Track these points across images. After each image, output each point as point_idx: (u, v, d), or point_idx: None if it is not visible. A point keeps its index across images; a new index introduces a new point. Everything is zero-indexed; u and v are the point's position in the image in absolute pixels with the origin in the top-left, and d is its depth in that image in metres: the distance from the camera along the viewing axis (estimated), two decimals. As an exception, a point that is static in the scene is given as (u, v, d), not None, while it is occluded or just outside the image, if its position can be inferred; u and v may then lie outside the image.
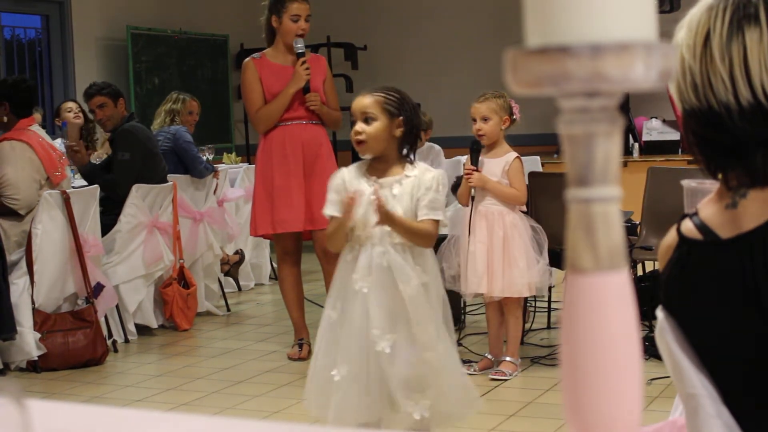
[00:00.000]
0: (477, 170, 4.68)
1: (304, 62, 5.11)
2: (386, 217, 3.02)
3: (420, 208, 3.12)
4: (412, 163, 3.24)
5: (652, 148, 8.52)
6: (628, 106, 8.47)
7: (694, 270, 1.43)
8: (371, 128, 3.18)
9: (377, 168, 3.21)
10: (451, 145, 7.85)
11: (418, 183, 3.15)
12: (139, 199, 5.85)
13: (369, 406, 3.04)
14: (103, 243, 5.63)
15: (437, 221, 3.13)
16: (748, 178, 1.37)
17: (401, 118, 3.18)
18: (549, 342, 5.38)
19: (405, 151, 3.23)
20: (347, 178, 3.21)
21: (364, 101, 3.20)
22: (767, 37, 1.35)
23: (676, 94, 1.42)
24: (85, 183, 6.03)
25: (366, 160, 3.24)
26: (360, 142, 3.19)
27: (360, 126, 3.19)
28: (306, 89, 5.12)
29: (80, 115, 7.21)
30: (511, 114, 4.74)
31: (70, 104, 7.42)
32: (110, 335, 5.62)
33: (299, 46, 5.13)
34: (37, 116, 7.48)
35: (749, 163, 1.36)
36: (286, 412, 4.26)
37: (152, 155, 6.05)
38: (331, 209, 3.15)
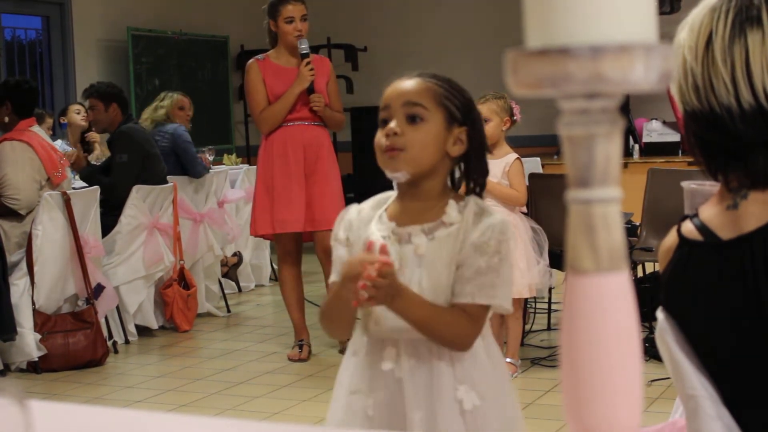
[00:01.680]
0: (477, 171, 4.67)
1: (308, 63, 5.11)
2: (389, 297, 1.82)
3: (460, 283, 1.89)
4: (460, 201, 1.98)
5: (653, 150, 8.51)
6: (629, 108, 8.47)
7: (694, 271, 1.43)
8: (419, 132, 1.93)
9: (406, 205, 1.98)
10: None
11: (463, 238, 1.91)
12: (139, 200, 5.85)
13: None
14: (104, 244, 5.63)
15: (486, 307, 1.92)
16: (749, 179, 1.37)
17: (465, 128, 1.97)
18: (549, 343, 5.38)
19: (456, 182, 2.04)
20: (355, 219, 2.02)
21: (411, 86, 1.96)
22: (769, 39, 1.35)
23: (678, 95, 1.43)
24: (86, 184, 6.04)
25: (389, 193, 2.06)
26: (392, 149, 1.93)
27: (398, 124, 1.93)
28: (310, 90, 5.12)
29: (86, 117, 7.22)
30: (511, 115, 4.74)
31: (78, 106, 7.42)
32: (110, 336, 5.62)
33: (303, 47, 5.13)
34: (49, 121, 7.50)
35: (750, 165, 1.36)
36: (287, 413, 4.26)
37: (151, 156, 6.05)
38: (335, 273, 1.99)
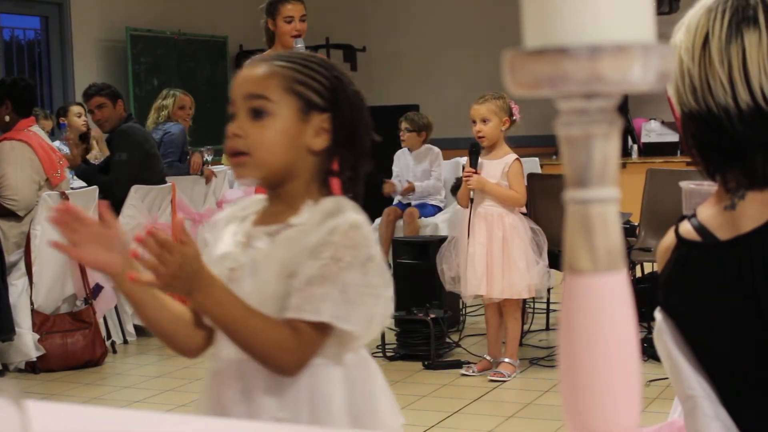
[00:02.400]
0: (476, 172, 4.68)
1: (305, 64, 5.11)
2: (186, 284, 1.56)
3: (290, 295, 1.56)
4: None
5: (651, 150, 8.52)
6: (627, 108, 8.47)
7: (692, 271, 1.43)
8: (265, 129, 1.63)
9: (268, 208, 1.70)
10: (450, 147, 7.86)
11: (300, 242, 1.58)
12: (137, 200, 5.85)
13: None
14: (102, 244, 5.62)
15: (319, 326, 1.54)
16: (747, 179, 1.37)
17: (328, 114, 1.65)
18: (548, 343, 5.38)
19: (330, 180, 1.70)
20: (222, 219, 1.77)
21: (254, 75, 1.67)
22: (766, 40, 1.35)
23: (675, 96, 1.42)
24: (84, 184, 6.04)
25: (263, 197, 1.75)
26: (235, 153, 1.64)
27: (239, 123, 1.64)
28: None
29: (87, 122, 7.22)
30: (510, 115, 4.74)
31: (79, 109, 7.41)
32: (109, 336, 5.61)
33: (299, 47, 5.13)
34: (47, 123, 7.49)
35: (748, 166, 1.36)
36: (285, 414, 4.26)
37: (150, 156, 6.05)
38: None
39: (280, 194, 1.67)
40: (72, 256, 1.75)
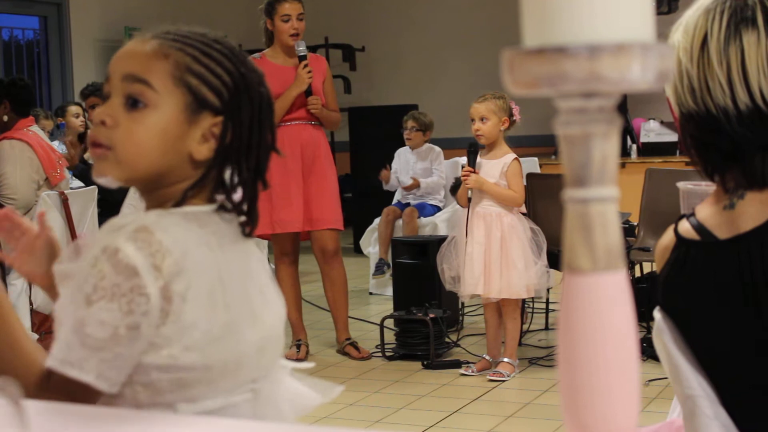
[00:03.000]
0: (474, 171, 4.68)
1: (306, 65, 5.12)
2: None
3: None
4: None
5: (650, 150, 8.52)
6: (626, 107, 8.47)
7: (691, 271, 1.43)
8: (138, 124, 1.35)
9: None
10: (449, 146, 7.86)
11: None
12: (136, 200, 5.82)
13: None
14: (101, 244, 5.63)
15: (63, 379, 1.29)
16: (746, 180, 1.37)
17: (220, 116, 1.37)
18: (547, 343, 5.38)
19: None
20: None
21: (139, 51, 1.37)
22: (765, 40, 1.35)
23: (673, 97, 1.42)
24: (82, 183, 6.04)
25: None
26: (97, 144, 1.37)
27: (110, 109, 1.36)
28: (308, 92, 5.13)
29: (84, 122, 7.22)
30: (510, 115, 4.74)
31: (77, 109, 7.41)
32: (108, 336, 5.61)
33: (301, 48, 5.14)
34: (48, 123, 7.49)
35: (747, 166, 1.36)
36: (284, 413, 4.25)
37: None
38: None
39: (152, 198, 1.40)
40: (8, 263, 1.57)
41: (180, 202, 1.36)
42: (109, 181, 1.37)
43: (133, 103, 1.35)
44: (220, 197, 1.40)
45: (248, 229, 1.41)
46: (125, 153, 1.34)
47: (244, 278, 1.39)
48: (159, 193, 1.39)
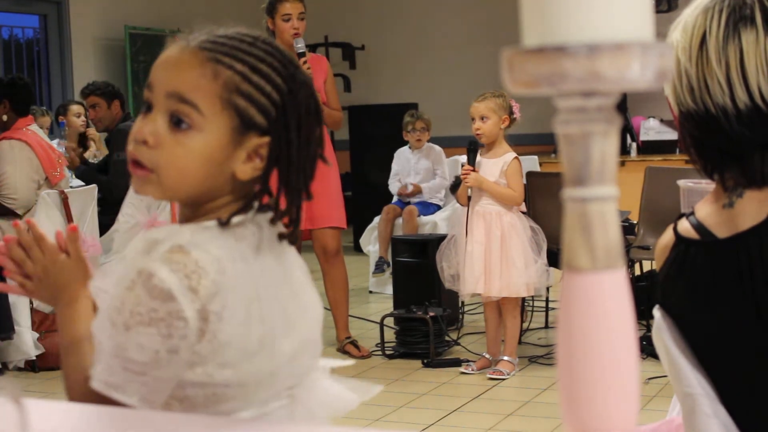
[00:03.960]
0: (474, 170, 4.68)
1: (305, 62, 5.12)
2: (48, 292, 1.47)
3: None
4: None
5: (650, 148, 8.52)
6: (626, 106, 8.47)
7: (690, 269, 1.43)
8: (182, 146, 1.29)
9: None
10: (449, 145, 7.86)
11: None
12: (137, 199, 5.84)
13: None
14: (102, 243, 5.63)
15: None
16: (745, 178, 1.37)
17: (269, 138, 1.31)
18: (547, 341, 5.38)
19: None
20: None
21: (186, 68, 1.30)
22: (763, 39, 1.35)
23: (672, 96, 1.42)
24: (83, 183, 6.04)
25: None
26: (138, 165, 1.34)
27: (154, 128, 1.30)
28: None
29: (86, 121, 7.22)
30: (510, 114, 4.74)
31: (79, 108, 7.41)
32: (108, 335, 5.61)
33: (300, 46, 5.14)
34: (45, 120, 7.49)
35: (746, 165, 1.36)
36: (284, 412, 4.26)
37: (149, 155, 6.06)
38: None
39: (191, 212, 1.35)
40: (21, 293, 1.47)
41: (224, 223, 1.29)
42: (149, 199, 1.36)
43: (177, 122, 1.28)
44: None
45: (290, 237, 1.36)
46: (168, 178, 1.29)
47: (280, 286, 1.34)
48: (198, 208, 1.34)
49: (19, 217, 5.40)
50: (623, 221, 5.35)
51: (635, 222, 5.40)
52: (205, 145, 1.27)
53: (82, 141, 7.05)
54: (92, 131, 7.09)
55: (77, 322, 1.39)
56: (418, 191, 7.10)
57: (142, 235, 1.30)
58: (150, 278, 1.21)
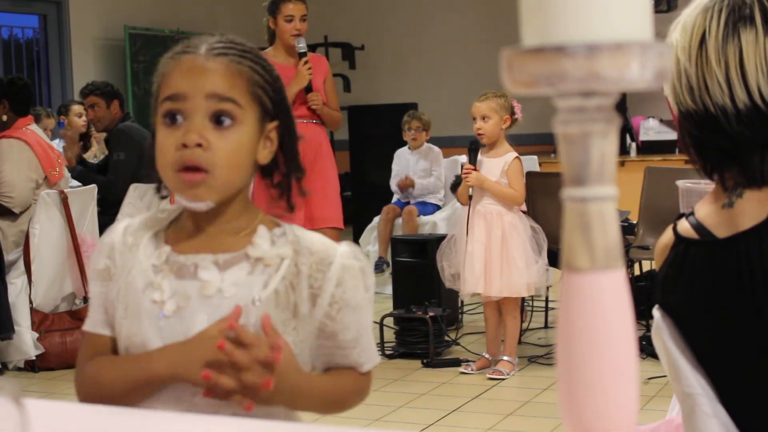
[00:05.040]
0: (475, 169, 4.68)
1: (306, 62, 5.12)
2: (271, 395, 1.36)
3: (335, 354, 1.46)
4: (274, 227, 1.45)
5: (650, 148, 8.52)
6: (626, 106, 8.47)
7: (690, 269, 1.43)
8: (230, 141, 1.39)
9: (195, 227, 1.44)
10: (449, 145, 7.86)
11: (299, 287, 1.40)
12: (136, 199, 5.85)
13: None
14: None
15: (369, 376, 1.51)
16: (745, 178, 1.37)
17: (277, 121, 1.46)
18: (546, 341, 5.38)
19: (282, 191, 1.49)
20: (119, 242, 1.46)
21: (219, 70, 1.40)
22: (763, 38, 1.35)
23: (672, 96, 1.42)
24: (80, 184, 6.04)
25: (166, 206, 1.53)
26: (194, 169, 1.38)
27: (200, 130, 1.38)
28: (308, 89, 5.13)
29: (87, 122, 7.22)
30: (512, 114, 4.74)
31: (80, 108, 7.40)
32: (108, 335, 5.61)
33: (301, 45, 5.14)
34: (50, 122, 7.49)
35: (746, 165, 1.36)
36: (284, 412, 4.26)
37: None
38: (95, 322, 1.47)
39: (216, 213, 1.41)
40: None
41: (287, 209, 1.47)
42: (205, 205, 1.39)
43: (218, 121, 1.38)
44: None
45: (287, 207, 1.51)
46: (222, 175, 1.37)
47: None
48: (226, 207, 1.43)
49: (18, 216, 5.41)
50: (623, 221, 5.35)
51: (635, 222, 5.40)
52: (247, 136, 1.40)
53: (85, 141, 7.05)
54: (93, 132, 7.09)
55: (303, 380, 1.42)
56: (411, 184, 7.10)
57: (266, 240, 1.42)
58: (359, 261, 1.47)
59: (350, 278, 1.42)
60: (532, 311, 5.73)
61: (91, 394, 1.41)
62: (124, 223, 1.48)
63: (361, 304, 1.43)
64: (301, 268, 1.40)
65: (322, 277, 1.40)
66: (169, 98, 1.38)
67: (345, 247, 1.44)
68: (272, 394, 1.34)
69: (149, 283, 1.40)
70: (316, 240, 1.44)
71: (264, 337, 1.34)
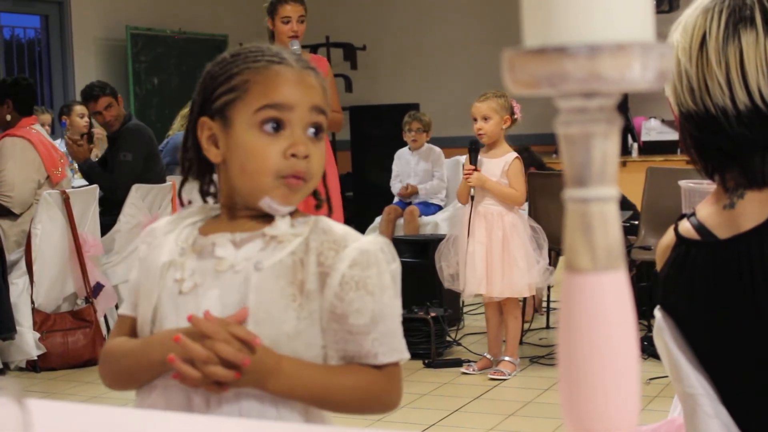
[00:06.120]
0: (476, 169, 4.68)
1: (302, 62, 5.12)
2: (255, 382, 1.37)
3: (350, 341, 1.42)
4: (298, 215, 1.49)
5: (651, 148, 8.52)
6: (627, 106, 8.47)
7: (691, 270, 1.43)
8: (322, 151, 1.50)
9: (230, 219, 1.49)
10: (449, 145, 7.86)
11: (310, 263, 1.42)
12: (138, 199, 5.85)
13: None
14: (103, 243, 5.63)
15: (397, 366, 1.46)
16: (746, 179, 1.37)
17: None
18: (548, 342, 5.38)
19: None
20: (160, 229, 1.53)
21: (315, 82, 1.49)
22: (763, 40, 1.35)
23: (673, 97, 1.42)
24: (85, 183, 6.03)
25: (205, 206, 1.55)
26: (299, 177, 1.45)
27: (305, 142, 1.46)
28: None
29: (89, 123, 7.20)
30: (512, 114, 4.74)
31: (83, 109, 7.38)
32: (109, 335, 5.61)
33: (295, 48, 5.14)
34: (46, 117, 7.48)
35: (747, 166, 1.36)
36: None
37: (152, 156, 6.06)
38: (125, 305, 1.56)
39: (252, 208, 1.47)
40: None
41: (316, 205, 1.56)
42: (291, 209, 1.45)
43: (315, 133, 1.46)
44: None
45: None
46: (313, 183, 1.47)
47: None
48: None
49: (18, 216, 5.41)
50: (625, 221, 5.35)
51: (636, 222, 5.40)
52: (324, 143, 1.49)
53: (90, 140, 7.03)
54: (100, 131, 7.06)
55: (306, 370, 1.40)
56: (414, 192, 7.10)
57: (285, 222, 1.45)
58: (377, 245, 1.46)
59: (368, 261, 1.40)
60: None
61: (104, 370, 1.52)
62: (170, 217, 1.55)
63: (379, 290, 1.39)
64: (311, 244, 1.41)
65: (334, 255, 1.40)
66: (274, 106, 1.43)
67: (372, 237, 1.45)
68: (265, 380, 1.36)
69: (172, 263, 1.45)
70: (340, 228, 1.45)
71: (231, 327, 1.34)
